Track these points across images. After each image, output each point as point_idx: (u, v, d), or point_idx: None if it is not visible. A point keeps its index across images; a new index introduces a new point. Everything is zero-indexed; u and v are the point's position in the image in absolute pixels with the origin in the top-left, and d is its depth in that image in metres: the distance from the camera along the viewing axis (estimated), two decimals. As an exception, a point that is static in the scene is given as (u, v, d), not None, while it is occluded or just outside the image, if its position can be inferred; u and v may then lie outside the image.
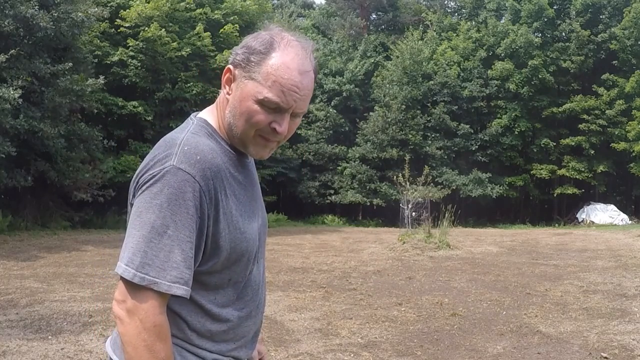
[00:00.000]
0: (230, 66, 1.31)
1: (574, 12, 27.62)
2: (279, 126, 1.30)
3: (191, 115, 1.42)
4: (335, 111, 28.46)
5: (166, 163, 1.22)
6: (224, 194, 1.28)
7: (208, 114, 1.39)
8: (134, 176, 1.28)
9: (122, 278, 1.22)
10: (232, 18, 21.19)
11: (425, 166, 16.85)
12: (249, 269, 1.39)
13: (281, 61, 1.26)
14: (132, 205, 1.27)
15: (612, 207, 25.99)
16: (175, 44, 19.11)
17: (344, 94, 28.63)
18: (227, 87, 1.33)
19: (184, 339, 1.31)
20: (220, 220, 1.27)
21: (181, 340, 1.31)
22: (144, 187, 1.23)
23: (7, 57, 12.65)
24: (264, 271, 1.53)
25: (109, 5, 18.65)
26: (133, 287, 1.20)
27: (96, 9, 15.87)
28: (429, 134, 27.34)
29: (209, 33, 19.72)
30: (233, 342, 1.38)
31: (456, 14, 34.92)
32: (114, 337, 1.39)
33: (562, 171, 27.38)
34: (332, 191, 27.25)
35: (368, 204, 26.84)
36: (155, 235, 1.19)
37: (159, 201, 1.19)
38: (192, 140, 1.27)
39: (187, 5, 20.03)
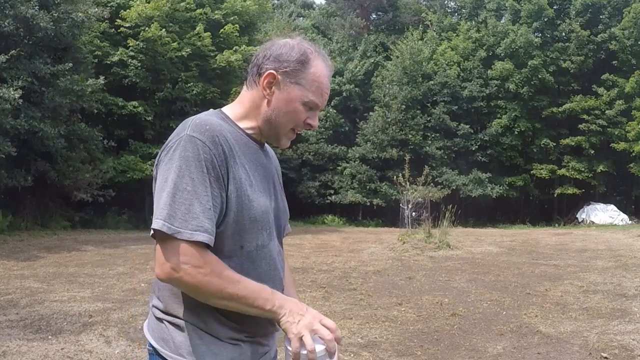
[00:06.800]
0: (273, 71, 1.51)
1: (573, 12, 27.60)
2: (313, 121, 1.56)
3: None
4: (335, 111, 28.44)
5: (181, 134, 1.43)
6: (234, 160, 1.45)
7: (226, 108, 1.60)
8: (158, 153, 1.49)
9: (157, 240, 1.37)
10: (232, 18, 21.18)
11: (425, 166, 16.82)
12: (261, 239, 1.50)
13: (320, 70, 1.53)
14: (155, 176, 1.47)
15: (612, 207, 25.96)
16: (175, 44, 19.10)
17: (344, 94, 28.62)
18: (267, 89, 1.52)
19: (200, 322, 1.43)
20: (230, 183, 1.43)
21: (197, 324, 1.43)
22: (165, 158, 1.42)
23: (7, 57, 12.66)
24: (283, 255, 1.65)
25: (109, 5, 18.64)
26: (167, 245, 1.36)
27: (96, 9, 15.87)
28: (429, 134, 27.31)
29: (209, 33, 19.70)
30: (249, 319, 1.45)
31: (456, 14, 34.90)
32: (149, 322, 1.51)
33: (562, 171, 27.36)
34: (332, 191, 27.22)
35: (368, 204, 26.80)
36: (177, 191, 1.37)
37: (177, 164, 1.39)
38: (203, 117, 1.49)
39: (187, 6, 20.00)
